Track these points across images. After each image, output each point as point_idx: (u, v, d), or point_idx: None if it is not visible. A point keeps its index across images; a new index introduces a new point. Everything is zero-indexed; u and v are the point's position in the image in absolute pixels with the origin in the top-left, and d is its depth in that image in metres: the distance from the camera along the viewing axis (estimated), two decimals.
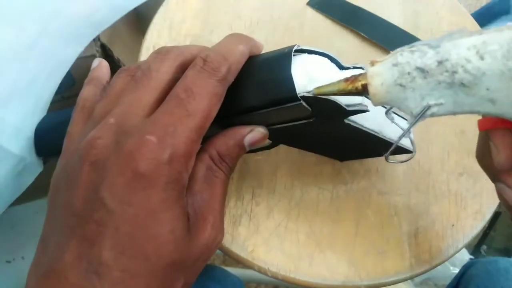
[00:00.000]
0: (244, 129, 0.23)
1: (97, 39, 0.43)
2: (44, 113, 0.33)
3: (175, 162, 0.19)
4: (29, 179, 0.34)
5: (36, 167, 0.33)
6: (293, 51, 0.22)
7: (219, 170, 0.23)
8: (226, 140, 0.23)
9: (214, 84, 0.20)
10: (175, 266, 0.19)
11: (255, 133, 0.23)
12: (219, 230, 0.22)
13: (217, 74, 0.21)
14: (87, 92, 0.26)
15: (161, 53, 0.22)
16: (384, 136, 0.26)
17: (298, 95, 0.21)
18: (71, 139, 0.23)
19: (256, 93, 0.22)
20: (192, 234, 0.20)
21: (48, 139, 0.32)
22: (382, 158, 0.33)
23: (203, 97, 0.20)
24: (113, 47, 0.45)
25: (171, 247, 0.19)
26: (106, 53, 0.45)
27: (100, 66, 0.28)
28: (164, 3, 0.39)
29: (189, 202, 0.21)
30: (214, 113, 0.21)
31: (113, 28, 0.49)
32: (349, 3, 0.39)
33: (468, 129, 0.35)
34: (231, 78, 0.22)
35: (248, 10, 0.38)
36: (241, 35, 0.24)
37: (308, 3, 0.39)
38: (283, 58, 0.22)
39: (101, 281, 0.17)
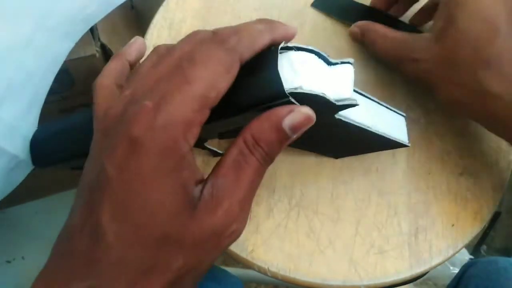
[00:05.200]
0: (281, 110, 0.21)
1: (97, 39, 0.43)
2: (39, 111, 0.34)
3: (170, 129, 0.18)
4: (19, 178, 0.34)
5: (27, 166, 0.33)
6: (279, 48, 0.22)
7: (251, 156, 0.20)
8: (261, 123, 0.21)
9: (219, 53, 0.20)
10: (169, 241, 0.19)
11: (295, 115, 0.20)
12: (235, 219, 0.20)
13: (224, 44, 0.20)
14: (108, 68, 0.26)
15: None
16: (377, 131, 0.26)
17: (286, 92, 0.21)
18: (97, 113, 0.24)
19: (244, 92, 0.22)
20: (196, 214, 0.19)
21: (44, 150, 0.32)
22: (382, 158, 0.33)
23: (204, 65, 0.19)
24: (113, 47, 0.45)
25: (161, 218, 0.18)
26: (106, 52, 0.45)
27: (131, 42, 0.28)
28: (164, 3, 0.39)
29: (208, 184, 0.20)
30: (221, 84, 0.20)
31: (113, 28, 0.49)
32: (354, 1, 0.39)
33: (468, 129, 0.35)
34: (243, 50, 0.20)
35: (248, 10, 0.38)
36: (265, 19, 0.23)
37: (312, 5, 0.39)
38: (269, 56, 0.22)
39: (98, 244, 0.18)
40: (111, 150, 0.19)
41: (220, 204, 0.19)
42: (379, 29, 0.33)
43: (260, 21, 0.23)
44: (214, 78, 0.19)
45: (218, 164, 0.20)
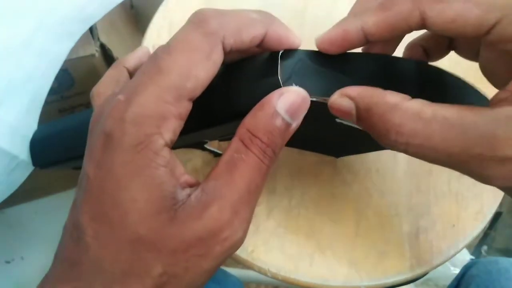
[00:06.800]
0: (272, 96, 0.19)
1: (96, 38, 0.43)
2: (39, 111, 0.34)
3: (141, 122, 0.17)
4: (21, 178, 0.34)
5: (27, 166, 0.33)
6: (280, 53, 0.22)
7: (248, 151, 0.18)
8: (255, 113, 0.19)
9: (196, 37, 0.18)
10: (144, 244, 0.17)
11: (288, 95, 0.19)
12: (227, 225, 0.18)
13: (203, 27, 0.18)
14: (105, 76, 0.26)
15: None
16: None
17: None
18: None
19: (245, 98, 0.22)
20: (177, 218, 0.17)
21: (44, 150, 0.32)
22: (383, 158, 0.33)
23: (178, 52, 0.18)
24: (113, 47, 0.45)
25: (133, 218, 0.17)
26: (105, 52, 0.44)
27: (134, 51, 0.28)
28: (163, 2, 0.38)
29: (199, 188, 0.19)
30: (199, 72, 0.18)
31: (113, 27, 0.49)
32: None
33: None
34: (227, 35, 0.18)
35: None
36: (266, 12, 0.21)
37: None
38: (270, 62, 0.22)
39: (80, 245, 0.18)
40: (90, 148, 0.18)
41: (207, 208, 0.18)
42: (405, 104, 0.18)
43: (259, 11, 0.20)
44: (190, 66, 0.18)
45: (212, 168, 0.19)
